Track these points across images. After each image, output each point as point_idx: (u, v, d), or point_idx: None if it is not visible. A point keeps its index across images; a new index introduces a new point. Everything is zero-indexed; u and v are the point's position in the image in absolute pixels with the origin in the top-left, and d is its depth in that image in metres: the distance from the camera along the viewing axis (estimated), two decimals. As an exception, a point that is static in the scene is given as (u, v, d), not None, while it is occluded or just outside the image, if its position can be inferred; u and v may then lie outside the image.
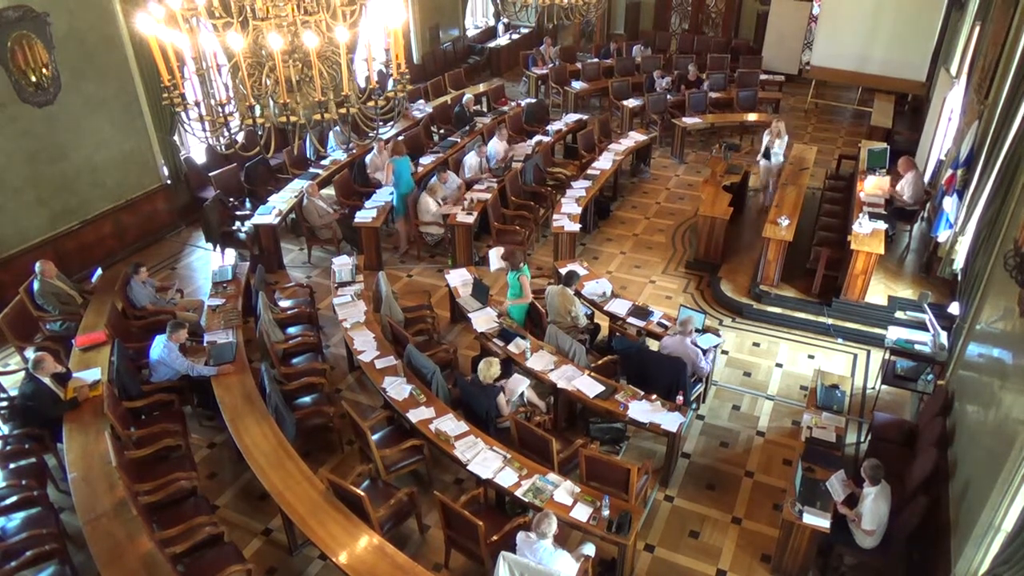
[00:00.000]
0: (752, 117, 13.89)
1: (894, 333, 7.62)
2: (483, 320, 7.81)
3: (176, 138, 10.92)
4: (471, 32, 18.74)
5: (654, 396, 6.70)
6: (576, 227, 9.80)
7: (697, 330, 7.41)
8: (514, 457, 6.06)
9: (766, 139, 11.23)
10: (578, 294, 8.16)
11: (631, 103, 14.37)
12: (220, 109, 4.29)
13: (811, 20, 16.57)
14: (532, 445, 6.30)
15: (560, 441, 6.34)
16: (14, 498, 5.71)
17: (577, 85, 15.45)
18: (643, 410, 6.56)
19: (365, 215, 9.94)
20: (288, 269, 10.17)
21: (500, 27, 19.46)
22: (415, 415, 6.50)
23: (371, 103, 4.38)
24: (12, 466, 6.06)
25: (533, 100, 14.74)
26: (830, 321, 8.78)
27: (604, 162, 11.56)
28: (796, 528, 5.52)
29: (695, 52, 16.87)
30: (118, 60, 9.82)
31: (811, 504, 5.52)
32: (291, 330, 8.09)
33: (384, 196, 10.40)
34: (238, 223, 10.24)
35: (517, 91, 16.56)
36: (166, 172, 10.86)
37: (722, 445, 7.19)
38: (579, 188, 10.67)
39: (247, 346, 7.48)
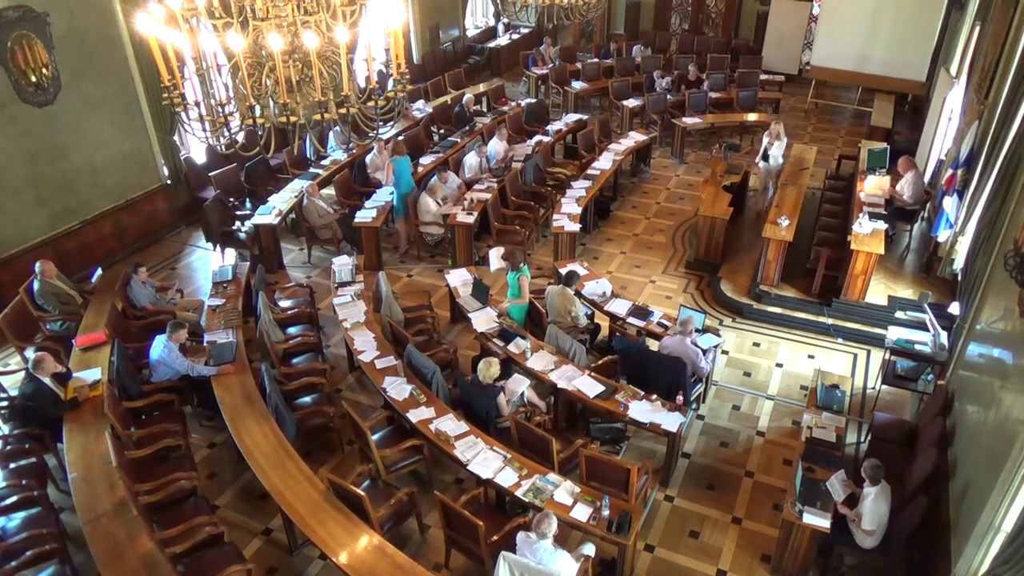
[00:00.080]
0: (752, 117, 13.89)
1: (894, 333, 7.62)
2: (483, 320, 7.81)
3: (176, 138, 10.92)
4: (471, 32, 18.74)
5: (654, 396, 6.70)
6: (576, 227, 9.80)
7: (697, 330, 7.41)
8: (514, 457, 6.06)
9: (765, 141, 11.22)
10: (578, 294, 8.16)
11: (631, 103, 14.37)
12: (220, 109, 4.29)
13: (811, 20, 16.57)
14: (532, 445, 6.30)
15: (560, 441, 6.34)
16: (14, 498, 5.71)
17: (577, 85, 15.45)
18: (643, 410, 6.57)
19: (365, 215, 9.94)
20: (288, 269, 10.18)
21: (500, 27, 19.46)
22: (415, 415, 6.50)
23: (371, 103, 4.38)
24: (12, 466, 6.06)
25: (533, 100, 14.74)
26: (830, 321, 8.79)
27: (604, 162, 11.56)
28: (796, 528, 5.52)
29: (695, 52, 16.87)
30: (118, 60, 9.83)
31: (811, 504, 5.52)
32: (291, 330, 8.09)
33: (384, 196, 10.40)
34: (238, 223, 10.24)
35: (517, 91, 16.57)
36: (166, 172, 10.86)
37: (722, 445, 7.19)
38: (579, 188, 10.67)
39: (247, 346, 7.48)
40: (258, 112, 4.31)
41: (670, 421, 6.44)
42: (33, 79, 8.75)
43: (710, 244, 9.91)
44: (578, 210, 10.06)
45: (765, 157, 11.04)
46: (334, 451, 7.04)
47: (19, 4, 8.45)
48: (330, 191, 11.08)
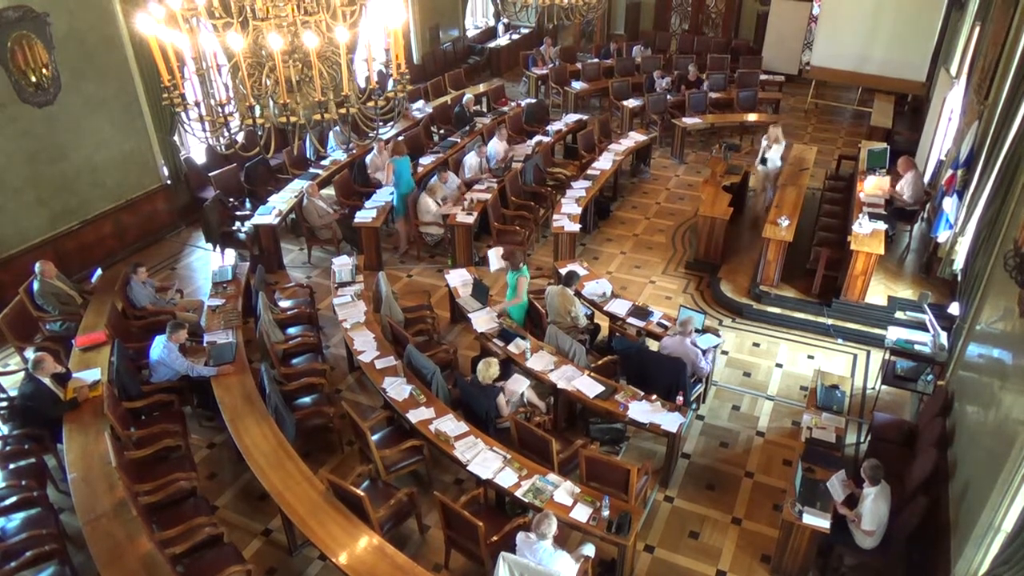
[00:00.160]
0: (752, 117, 13.89)
1: (894, 333, 7.62)
2: (483, 320, 7.81)
3: (176, 138, 10.92)
4: (471, 32, 18.74)
5: (654, 396, 6.70)
6: (576, 227, 9.79)
7: (697, 330, 7.41)
8: (514, 457, 6.06)
9: (763, 144, 11.19)
10: (578, 294, 8.16)
11: (631, 103, 14.36)
12: (220, 109, 4.29)
13: (811, 20, 16.57)
14: (532, 445, 6.30)
15: (560, 441, 6.34)
16: (14, 499, 5.71)
17: (577, 85, 15.45)
18: (643, 410, 6.56)
19: (365, 215, 9.94)
20: (288, 269, 10.17)
21: (500, 27, 19.46)
22: (415, 415, 6.50)
23: (371, 103, 4.38)
24: (12, 466, 6.05)
25: (533, 100, 14.74)
26: (830, 321, 8.78)
27: (604, 162, 11.56)
28: (796, 528, 5.52)
29: (695, 52, 16.87)
30: (118, 60, 9.82)
31: (811, 504, 5.52)
32: (291, 330, 8.09)
33: (384, 196, 10.40)
34: (238, 223, 10.24)
35: (517, 91, 16.56)
36: (166, 172, 10.86)
37: (722, 445, 7.18)
38: (579, 188, 10.67)
39: (247, 346, 7.48)
40: (258, 112, 4.32)
41: (670, 421, 6.44)
42: (33, 79, 8.75)
43: (710, 244, 9.91)
44: (578, 210, 10.06)
45: (763, 161, 11.03)
46: (334, 452, 7.04)
47: (19, 4, 8.45)
48: (330, 191, 11.08)
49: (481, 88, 15.20)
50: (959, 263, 8.68)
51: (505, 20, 19.11)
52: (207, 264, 10.16)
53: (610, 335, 8.14)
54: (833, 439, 6.24)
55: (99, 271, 8.66)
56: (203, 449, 7.14)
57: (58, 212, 9.36)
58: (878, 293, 8.95)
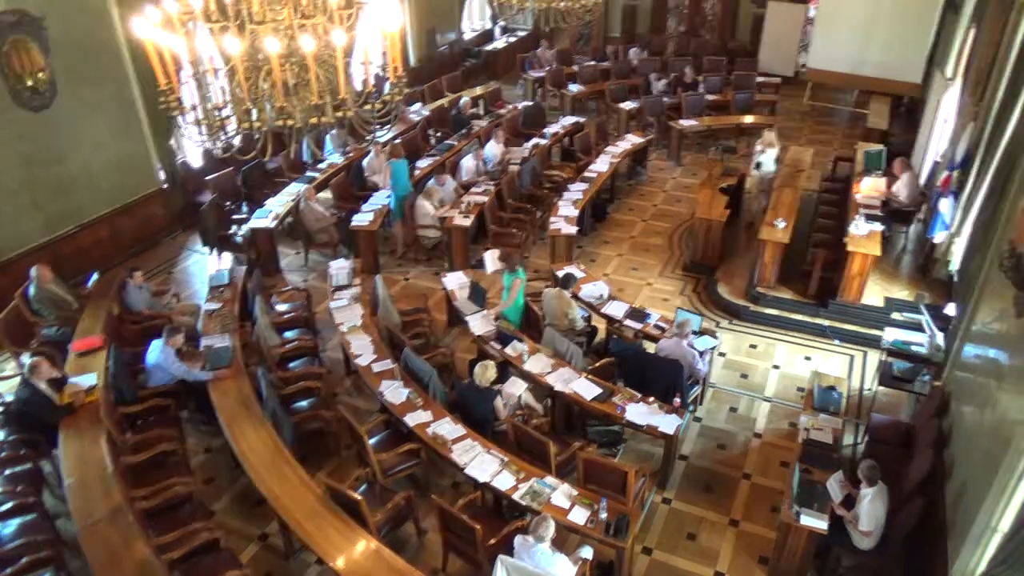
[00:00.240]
0: (749, 119, 13.90)
1: (891, 334, 7.63)
2: (480, 323, 7.80)
3: (173, 142, 10.90)
4: (468, 35, 18.76)
5: (651, 398, 6.70)
6: (573, 230, 9.80)
7: (694, 332, 7.41)
8: (511, 460, 6.05)
9: (756, 149, 11.20)
10: (575, 297, 8.17)
11: (628, 106, 14.38)
12: (217, 113, 4.29)
13: (806, 23, 16.61)
14: (529, 448, 6.29)
15: (557, 444, 6.34)
16: (9, 505, 5.67)
17: (574, 88, 15.45)
18: (640, 412, 6.56)
19: (362, 218, 9.94)
20: (285, 273, 10.16)
21: (497, 30, 19.49)
22: (412, 419, 6.49)
23: (368, 106, 4.38)
24: (7, 472, 6.02)
25: (530, 103, 14.75)
26: (827, 323, 8.79)
27: (601, 165, 11.57)
28: (793, 530, 5.52)
29: (692, 54, 16.89)
30: (115, 64, 9.82)
31: (808, 506, 5.52)
32: (288, 334, 8.08)
33: (381, 199, 10.40)
34: (235, 227, 10.22)
35: (514, 94, 16.58)
36: (163, 176, 10.85)
37: (719, 447, 7.19)
38: (576, 191, 10.68)
39: (244, 350, 7.45)
40: (255, 116, 4.31)
41: (667, 423, 6.44)
42: (29, 84, 8.74)
43: (707, 246, 9.92)
44: (575, 213, 10.06)
45: (757, 166, 11.05)
46: (331, 455, 7.02)
47: (15, 9, 8.45)
48: (327, 195, 11.07)
49: (478, 91, 15.20)
50: (955, 264, 8.70)
51: (502, 23, 19.13)
52: (204, 268, 10.14)
53: (607, 337, 8.14)
54: (830, 440, 6.24)
55: (95, 275, 8.63)
56: (200, 454, 7.13)
57: (54, 216, 9.34)
58: (874, 294, 8.97)
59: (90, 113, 9.56)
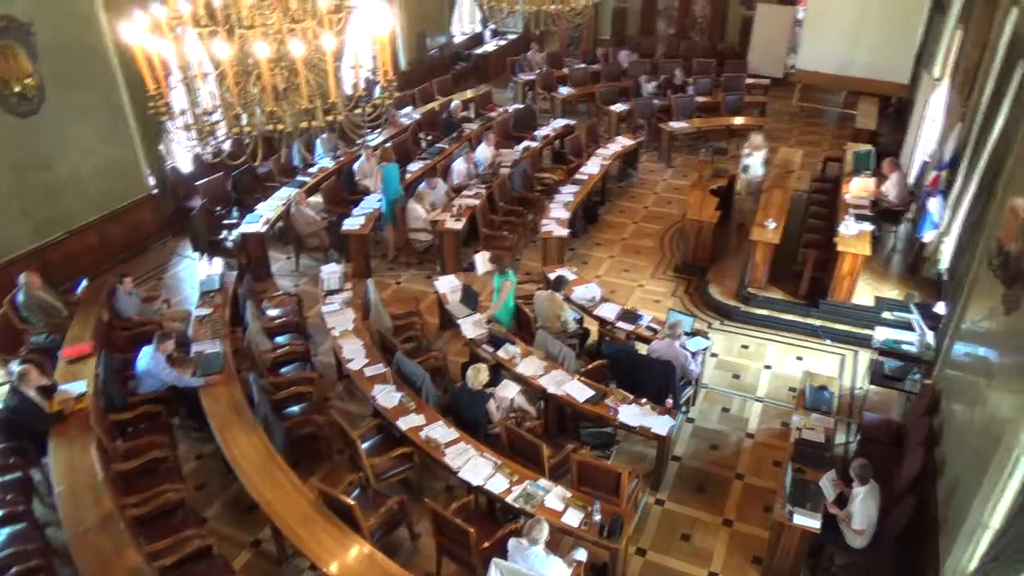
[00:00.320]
0: (738, 121, 13.95)
1: (881, 333, 7.67)
2: (472, 326, 7.80)
3: (162, 147, 10.86)
4: (458, 38, 18.77)
5: (644, 400, 6.70)
6: (564, 232, 9.80)
7: (686, 333, 7.42)
8: (505, 463, 6.05)
9: (744, 152, 11.23)
10: (567, 299, 8.17)
11: (618, 108, 14.41)
12: (206, 118, 4.27)
13: (795, 24, 16.69)
14: (523, 451, 6.29)
15: (550, 446, 6.34)
16: (-1, 513, 5.65)
17: (564, 91, 15.49)
18: (633, 414, 6.57)
19: (353, 222, 9.92)
20: (276, 278, 10.13)
21: (487, 33, 19.50)
22: (405, 423, 6.48)
23: (358, 110, 4.38)
24: (-3, 481, 5.99)
25: (521, 106, 14.76)
26: (818, 322, 8.83)
27: (592, 167, 11.59)
28: (787, 529, 5.53)
29: (681, 56, 16.93)
30: (103, 70, 9.77)
31: (801, 505, 5.54)
32: (279, 339, 8.05)
33: (373, 203, 10.38)
34: (225, 232, 10.18)
35: (505, 97, 16.58)
36: (152, 181, 10.80)
37: (712, 448, 7.20)
38: (567, 193, 10.69)
39: (235, 356, 7.43)
40: (244, 120, 4.30)
41: (660, 424, 6.45)
42: (16, 89, 8.69)
43: (698, 248, 9.94)
44: (566, 215, 10.07)
45: (744, 169, 11.09)
46: (324, 460, 7.00)
47: (2, 14, 8.40)
48: (318, 199, 11.04)
49: (469, 94, 15.20)
50: (944, 263, 8.75)
51: (492, 26, 19.14)
52: (194, 273, 10.10)
53: (600, 339, 8.15)
54: (822, 440, 6.26)
55: (85, 282, 8.58)
56: (191, 460, 7.09)
57: (43, 222, 9.28)
58: (865, 294, 9.01)
59: (78, 119, 9.51)
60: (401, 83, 13.35)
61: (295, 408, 7.08)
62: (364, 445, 6.35)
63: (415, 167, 11.68)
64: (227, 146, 4.59)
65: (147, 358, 6.84)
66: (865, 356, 8.27)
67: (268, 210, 10.15)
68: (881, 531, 5.51)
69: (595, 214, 11.59)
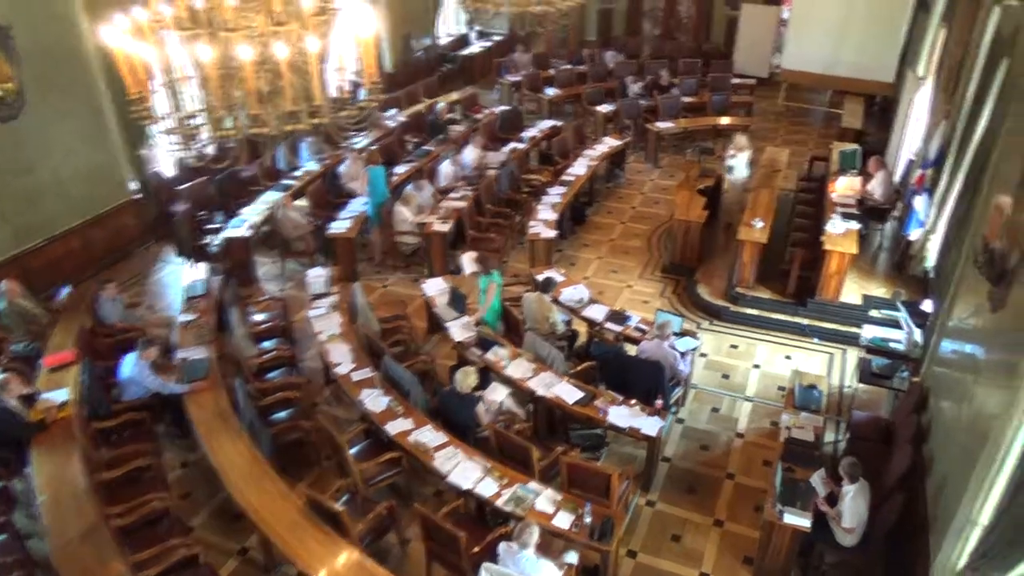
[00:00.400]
0: (725, 121, 13.99)
1: (869, 332, 7.69)
2: (461, 329, 7.76)
3: (145, 152, 10.74)
4: (444, 40, 18.72)
5: (633, 401, 6.69)
6: (552, 233, 9.78)
7: (675, 334, 7.42)
8: (494, 467, 6.01)
9: (728, 154, 11.26)
10: (555, 301, 8.15)
11: (605, 109, 14.42)
12: (189, 121, 4.22)
13: (780, 24, 16.76)
14: (512, 454, 6.26)
15: (540, 449, 6.31)
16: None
17: (551, 92, 15.48)
18: (623, 415, 6.55)
19: (340, 226, 9.85)
20: (262, 282, 10.03)
21: (473, 35, 19.47)
22: (393, 427, 6.43)
23: (344, 113, 4.34)
24: (-23, 492, 5.89)
25: (507, 107, 14.73)
26: (806, 321, 8.85)
27: (579, 168, 11.58)
28: (777, 528, 5.52)
29: (667, 57, 16.97)
30: (84, 73, 9.66)
31: (791, 504, 5.53)
32: (265, 344, 7.97)
33: (359, 206, 10.32)
34: (209, 237, 10.08)
35: (491, 99, 16.54)
36: (135, 186, 10.68)
37: (702, 448, 7.19)
38: (555, 194, 10.67)
39: (220, 362, 7.35)
40: (229, 124, 4.25)
41: (650, 425, 6.44)
42: (-5, 94, 8.57)
43: (686, 248, 9.95)
44: (554, 216, 10.05)
45: (728, 170, 11.11)
46: (311, 466, 6.93)
47: (-20, 19, 8.30)
48: (303, 202, 10.96)
49: (455, 96, 15.16)
50: (931, 260, 8.79)
51: (477, 27, 19.12)
52: (178, 279, 9.93)
53: (588, 341, 8.12)
54: (812, 438, 6.26)
55: (67, 289, 8.46)
56: (176, 468, 7.00)
57: (23, 228, 9.15)
58: (852, 292, 9.04)
59: (59, 123, 9.39)
60: (386, 85, 13.29)
61: (282, 414, 7.01)
62: (352, 450, 6.31)
63: (401, 170, 11.62)
64: (211, 150, 4.54)
65: (131, 365, 6.76)
66: (853, 354, 8.29)
67: (253, 214, 10.06)
68: (871, 529, 5.52)
69: (583, 215, 11.58)
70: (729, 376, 8.17)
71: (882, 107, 15.36)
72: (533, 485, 5.84)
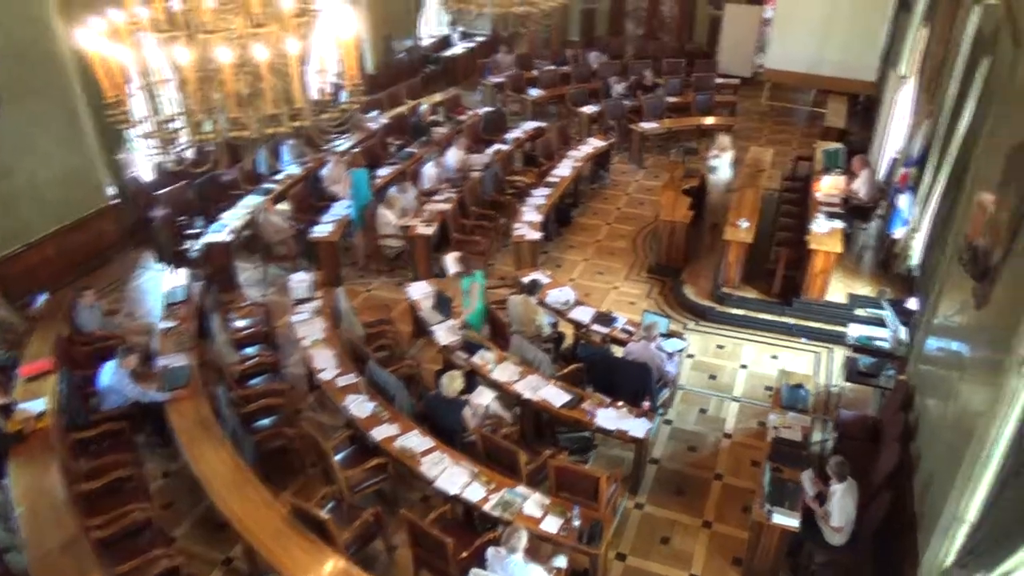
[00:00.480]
0: (709, 120, 14.00)
1: (855, 330, 7.71)
2: (446, 333, 7.69)
3: (123, 155, 10.59)
4: (426, 41, 18.64)
5: (621, 403, 6.65)
6: (537, 235, 9.74)
7: (662, 335, 7.40)
8: (481, 471, 5.96)
9: (711, 153, 11.26)
10: (541, 303, 8.10)
11: (589, 109, 14.40)
12: (168, 125, 4.14)
13: (763, 24, 16.83)
14: (499, 458, 6.20)
15: (527, 453, 6.27)
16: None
17: (534, 93, 15.44)
18: (610, 417, 6.52)
19: (322, 229, 9.75)
20: (243, 288, 9.91)
21: (455, 36, 19.40)
22: (379, 433, 6.35)
23: (325, 115, 4.28)
24: (-47, 505, 5.76)
25: (491, 109, 14.67)
26: (792, 321, 8.86)
27: (563, 169, 11.54)
28: (766, 529, 5.52)
29: (651, 57, 16.98)
30: (60, 76, 9.50)
31: (780, 504, 5.52)
32: (247, 351, 7.87)
33: (342, 210, 10.22)
34: (189, 242, 9.94)
35: (474, 100, 16.48)
36: (113, 191, 10.53)
37: (690, 449, 7.17)
38: (539, 196, 10.63)
39: (202, 369, 7.24)
40: (208, 128, 4.18)
41: (637, 427, 6.41)
42: (-32, 98, 8.41)
43: (671, 248, 9.94)
44: (539, 218, 10.01)
45: (711, 171, 11.12)
46: (296, 474, 6.84)
47: (-48, 21, 8.13)
48: (285, 206, 10.84)
49: (437, 97, 15.07)
50: (915, 259, 8.84)
51: (460, 28, 19.06)
52: (158, 285, 9.83)
53: (575, 343, 8.09)
54: (799, 438, 6.26)
55: (44, 296, 8.29)
56: (158, 478, 6.89)
57: (-2, 235, 9.00)
58: (838, 291, 9.07)
59: (35, 127, 9.23)
60: (368, 87, 13.19)
61: (265, 421, 6.92)
62: (337, 457, 6.23)
63: (384, 172, 11.53)
64: (190, 154, 4.46)
65: (110, 374, 6.64)
66: (840, 353, 8.31)
67: (234, 219, 9.93)
68: (859, 528, 5.52)
69: (568, 217, 11.54)
70: (716, 377, 8.16)
71: (865, 106, 15.45)
72: (521, 489, 5.79)
